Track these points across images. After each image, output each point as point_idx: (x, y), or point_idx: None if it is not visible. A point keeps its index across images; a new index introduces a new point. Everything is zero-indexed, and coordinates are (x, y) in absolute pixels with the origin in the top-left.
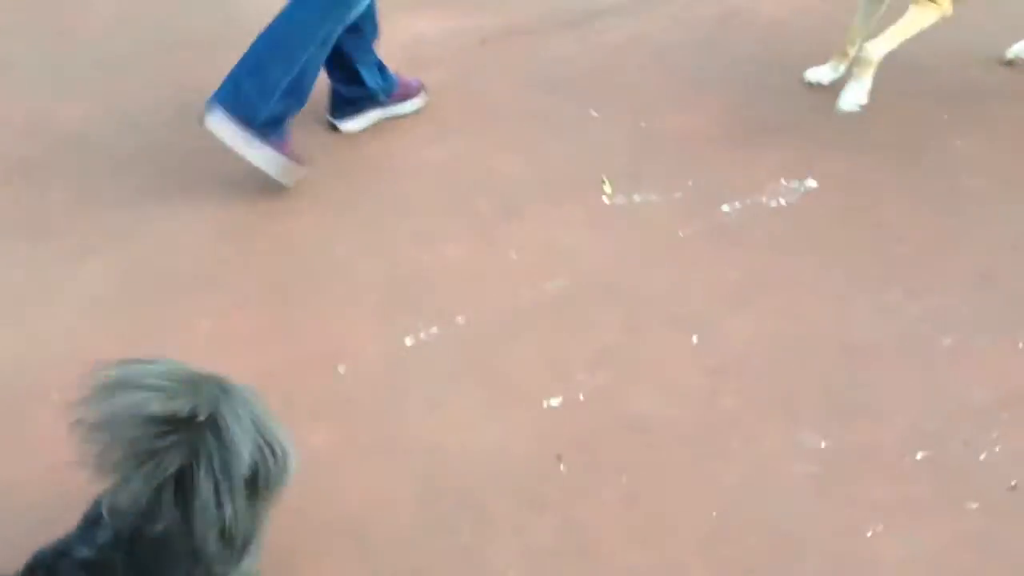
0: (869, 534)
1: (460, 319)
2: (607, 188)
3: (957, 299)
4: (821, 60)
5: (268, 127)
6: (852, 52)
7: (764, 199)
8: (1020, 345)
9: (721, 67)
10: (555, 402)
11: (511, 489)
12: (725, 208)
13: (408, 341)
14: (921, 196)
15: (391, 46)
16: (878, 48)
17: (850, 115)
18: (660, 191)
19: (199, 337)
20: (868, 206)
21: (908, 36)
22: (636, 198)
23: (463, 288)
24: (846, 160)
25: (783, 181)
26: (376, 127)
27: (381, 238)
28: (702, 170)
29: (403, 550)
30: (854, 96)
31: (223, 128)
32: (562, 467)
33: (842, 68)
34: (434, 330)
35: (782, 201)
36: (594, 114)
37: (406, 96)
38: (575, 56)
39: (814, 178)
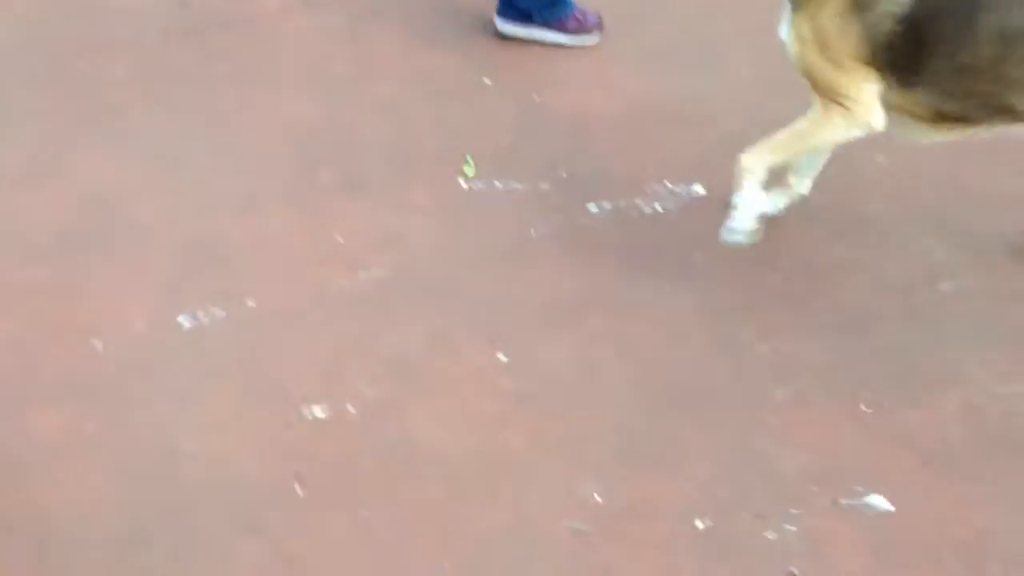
0: None
1: (251, 302)
2: (468, 170)
3: (815, 344)
4: None
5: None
6: None
7: (640, 202)
8: (862, 407)
9: (676, 35)
10: (319, 413)
11: (232, 508)
12: (592, 208)
13: (184, 321)
14: (818, 217)
15: None
16: (752, 157)
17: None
18: (528, 179)
19: None
20: None
21: (799, 149)
22: (498, 184)
23: (269, 267)
24: None
25: (667, 183)
26: (227, 67)
27: (198, 199)
28: (584, 159)
29: (84, 564)
30: (733, 223)
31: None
32: (298, 489)
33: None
34: (218, 312)
35: (658, 207)
36: (487, 82)
37: (580, 29)
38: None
39: (703, 184)
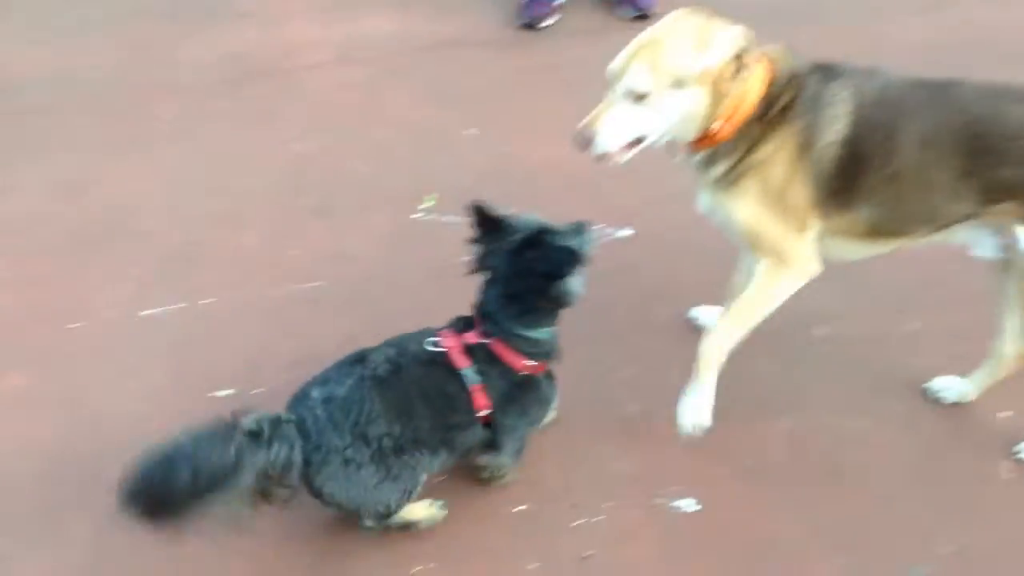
0: None
1: (206, 300)
2: (426, 203)
3: (676, 368)
4: None
5: None
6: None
7: None
8: None
9: None
10: (225, 393)
11: None
12: None
13: (147, 312)
14: (716, 257)
15: (327, 39)
16: (712, 344)
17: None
18: None
19: None
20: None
21: (757, 317)
22: (444, 219)
23: (230, 273)
24: None
25: (601, 224)
26: (255, 110)
27: (192, 215)
28: (530, 201)
29: (13, 490)
30: (689, 413)
31: None
32: None
33: None
34: (176, 307)
35: None
36: (474, 132)
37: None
38: (494, 72)
39: (635, 226)
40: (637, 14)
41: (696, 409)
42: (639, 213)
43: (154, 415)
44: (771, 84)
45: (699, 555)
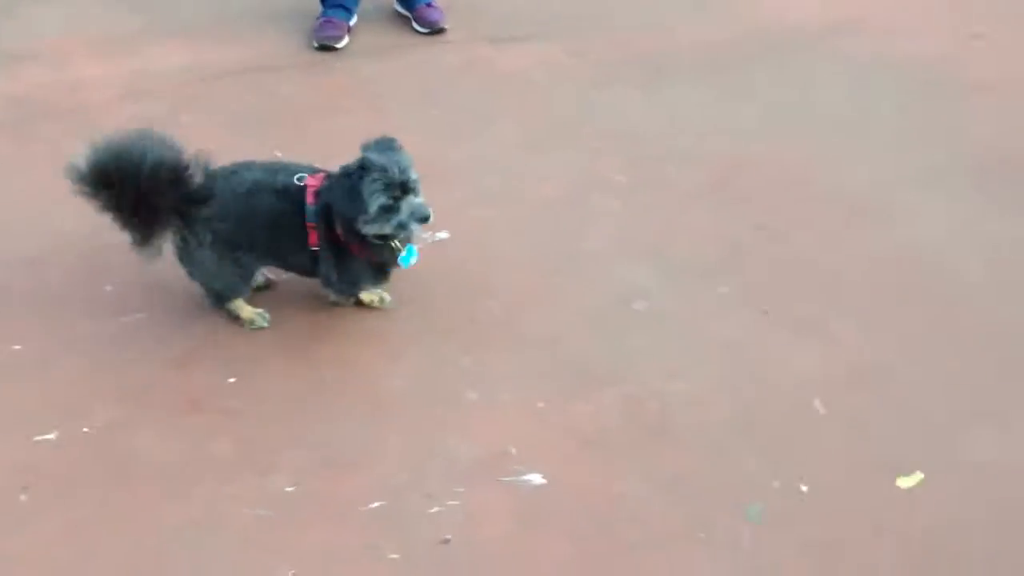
0: None
1: (17, 346)
2: None
3: (508, 356)
4: None
5: None
6: None
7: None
8: (539, 404)
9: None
10: (52, 436)
11: None
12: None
13: None
14: (537, 252)
15: (115, 75)
16: None
17: None
18: None
19: None
20: None
21: None
22: None
23: (40, 314)
24: None
25: None
26: (44, 151)
27: None
28: None
29: None
30: None
31: None
32: (22, 497)
33: None
34: None
35: None
36: (278, 154)
37: None
38: (295, 95)
39: (450, 231)
40: (428, 31)
41: None
42: (450, 217)
43: None
44: None
45: (553, 523)
